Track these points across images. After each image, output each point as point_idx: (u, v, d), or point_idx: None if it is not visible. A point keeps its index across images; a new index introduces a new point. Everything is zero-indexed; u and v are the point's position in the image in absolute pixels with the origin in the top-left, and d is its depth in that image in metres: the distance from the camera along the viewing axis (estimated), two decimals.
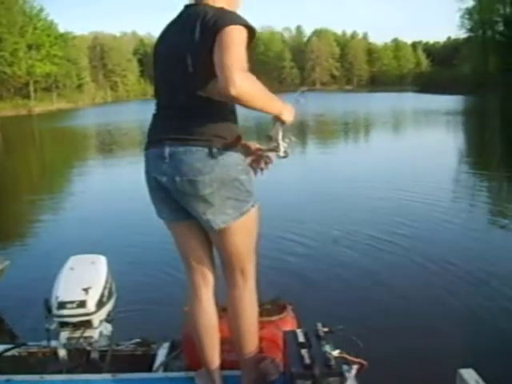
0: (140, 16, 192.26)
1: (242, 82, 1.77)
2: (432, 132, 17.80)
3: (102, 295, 3.20)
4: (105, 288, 3.25)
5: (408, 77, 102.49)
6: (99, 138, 22.77)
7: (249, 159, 2.27)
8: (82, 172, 12.22)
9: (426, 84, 65.83)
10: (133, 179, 10.13)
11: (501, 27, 62.26)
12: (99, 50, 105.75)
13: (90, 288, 3.15)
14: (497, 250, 4.91)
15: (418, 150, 12.97)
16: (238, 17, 1.97)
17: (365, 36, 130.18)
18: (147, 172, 2.20)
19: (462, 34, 67.92)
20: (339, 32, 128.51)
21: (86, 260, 3.52)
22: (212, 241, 2.24)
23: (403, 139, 16.76)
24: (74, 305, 3.04)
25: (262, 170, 2.32)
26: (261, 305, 2.74)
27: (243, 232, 2.17)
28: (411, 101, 42.01)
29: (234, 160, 2.07)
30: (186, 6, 2.14)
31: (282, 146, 2.10)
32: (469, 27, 65.23)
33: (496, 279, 4.14)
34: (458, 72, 65.37)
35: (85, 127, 30.67)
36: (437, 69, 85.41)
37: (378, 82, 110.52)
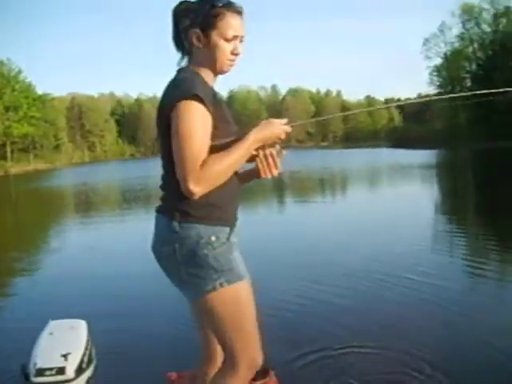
0: (117, 77, 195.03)
1: (200, 188, 1.84)
2: (407, 186, 18.09)
3: (82, 361, 3.16)
4: (84, 354, 3.22)
5: (381, 132, 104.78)
6: (76, 198, 22.69)
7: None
8: (60, 233, 12.11)
9: (399, 139, 67.30)
10: (112, 240, 10.14)
11: (468, 83, 64.48)
12: (77, 111, 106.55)
13: (69, 354, 3.11)
14: (470, 305, 4.92)
15: (394, 205, 13.15)
16: (187, 88, 1.90)
17: (338, 94, 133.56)
18: None
19: (432, 90, 70.11)
20: (313, 90, 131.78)
21: (66, 325, 3.49)
22: None
23: (378, 194, 16.98)
24: (53, 371, 3.00)
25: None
26: None
27: (214, 314, 2.01)
28: (385, 156, 42.79)
29: (195, 233, 1.95)
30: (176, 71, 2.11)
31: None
32: (438, 84, 67.42)
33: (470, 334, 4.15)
34: (429, 127, 67.11)
35: (62, 188, 30.54)
36: (409, 124, 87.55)
37: (352, 138, 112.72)
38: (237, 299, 2.02)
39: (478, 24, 61.55)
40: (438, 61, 66.03)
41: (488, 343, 3.88)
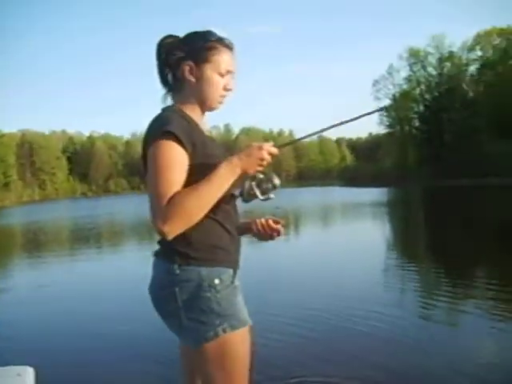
0: (70, 115, 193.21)
1: (169, 226, 1.71)
2: (358, 225, 18.36)
3: None
4: None
5: (334, 171, 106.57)
6: (24, 237, 22.08)
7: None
8: (5, 274, 11.73)
9: (350, 178, 68.63)
10: (62, 280, 9.85)
11: (416, 123, 66.64)
12: (28, 148, 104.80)
13: None
14: (422, 343, 4.98)
15: (346, 243, 13.30)
16: (161, 126, 1.81)
17: (291, 133, 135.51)
18: None
19: (382, 130, 71.97)
20: (266, 130, 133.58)
21: (12, 371, 3.34)
22: None
23: (331, 233, 17.18)
24: None
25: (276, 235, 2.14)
26: None
27: (214, 361, 1.87)
28: (337, 195, 43.45)
29: (197, 276, 1.85)
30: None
31: (257, 191, 1.93)
32: (387, 124, 69.32)
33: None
34: (380, 165, 68.74)
35: (10, 227, 29.71)
36: (360, 163, 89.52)
37: (305, 177, 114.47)
38: (238, 346, 1.89)
39: (424, 67, 64.02)
40: (387, 102, 68.06)
41: (446, 369, 4.02)
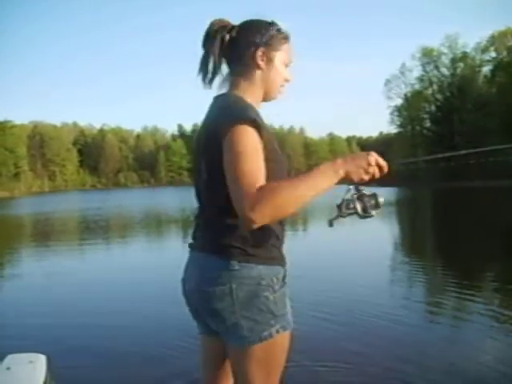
0: (81, 107, 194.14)
1: (256, 214, 1.57)
2: (369, 223, 18.28)
3: None
4: None
5: None
6: (32, 228, 22.20)
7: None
8: (16, 262, 11.78)
9: None
10: (74, 268, 9.89)
11: (428, 123, 66.38)
12: (38, 140, 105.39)
13: None
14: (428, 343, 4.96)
15: (355, 241, 13.27)
16: (242, 112, 1.73)
17: (301, 131, 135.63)
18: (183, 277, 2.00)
19: (393, 130, 71.72)
20: (277, 126, 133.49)
21: (24, 359, 3.36)
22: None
23: (339, 231, 17.14)
24: None
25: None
26: None
27: (260, 362, 1.81)
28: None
29: (255, 274, 1.77)
30: (214, 98, 1.93)
31: (358, 206, 1.77)
32: (398, 123, 69.06)
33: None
34: (389, 165, 68.37)
35: (18, 216, 29.89)
36: None
37: None
38: (284, 348, 1.87)
39: (437, 67, 63.74)
40: (399, 101, 67.80)
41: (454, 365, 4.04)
